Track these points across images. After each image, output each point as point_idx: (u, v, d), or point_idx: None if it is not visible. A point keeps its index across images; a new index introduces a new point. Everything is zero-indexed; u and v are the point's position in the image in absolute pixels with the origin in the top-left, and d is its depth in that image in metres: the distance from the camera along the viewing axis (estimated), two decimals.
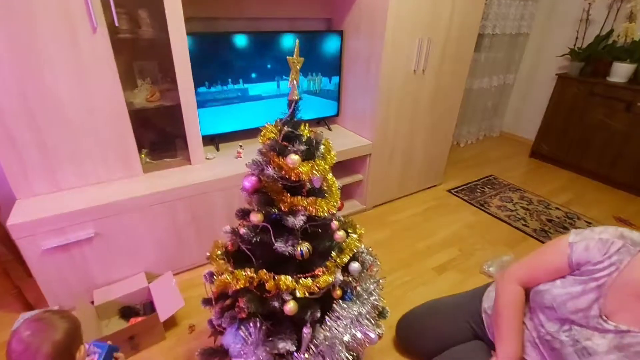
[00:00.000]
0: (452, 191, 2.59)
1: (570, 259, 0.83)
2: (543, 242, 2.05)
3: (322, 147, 0.88)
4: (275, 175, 0.82)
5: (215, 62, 1.76)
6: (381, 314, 1.08)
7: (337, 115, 2.33)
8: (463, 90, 2.38)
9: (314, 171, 0.80)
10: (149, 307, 1.47)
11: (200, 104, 1.74)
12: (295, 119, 0.86)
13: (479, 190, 2.61)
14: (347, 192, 2.39)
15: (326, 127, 2.30)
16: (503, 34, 3.10)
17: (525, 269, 0.95)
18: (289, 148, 0.81)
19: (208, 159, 1.81)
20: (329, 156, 0.86)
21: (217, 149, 1.94)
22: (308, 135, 0.87)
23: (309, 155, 0.84)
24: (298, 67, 0.82)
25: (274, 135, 0.84)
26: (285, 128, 0.83)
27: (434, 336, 1.18)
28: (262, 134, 0.84)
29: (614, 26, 2.70)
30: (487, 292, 1.13)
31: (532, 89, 3.39)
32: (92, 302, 1.46)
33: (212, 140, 1.97)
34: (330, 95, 2.22)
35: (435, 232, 2.13)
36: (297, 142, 0.83)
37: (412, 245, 2.01)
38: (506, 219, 2.27)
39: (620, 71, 2.56)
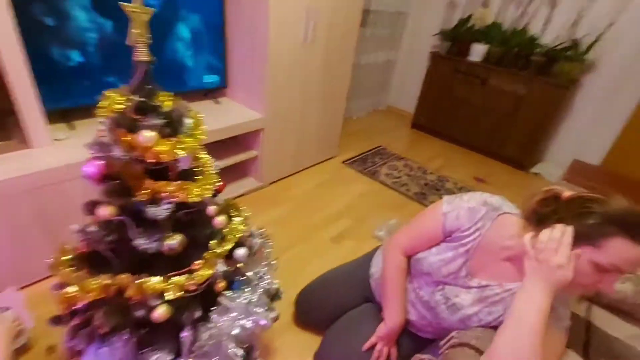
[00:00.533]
0: (346, 163, 2.70)
1: (444, 228, 0.91)
2: (422, 204, 2.30)
3: (188, 120, 0.74)
4: (123, 157, 0.66)
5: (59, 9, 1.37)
6: (275, 296, 1.03)
7: (225, 87, 2.12)
8: (352, 63, 2.42)
9: (177, 150, 0.67)
10: None
11: (41, 71, 1.34)
12: (150, 86, 0.69)
13: (370, 161, 2.78)
14: (242, 170, 2.26)
15: (214, 100, 2.09)
16: (386, 12, 3.26)
17: (406, 238, 1.01)
18: (141, 123, 0.66)
19: (58, 139, 1.45)
20: (197, 132, 0.73)
21: (72, 127, 1.56)
22: (169, 106, 0.72)
23: (171, 131, 0.70)
24: (144, 18, 0.65)
25: (120, 106, 0.67)
26: (136, 98, 0.67)
27: (329, 307, 1.21)
28: (102, 104, 0.66)
29: (473, 11, 3.09)
30: (374, 257, 1.19)
31: (412, 66, 3.71)
32: None
33: (64, 117, 1.58)
34: (215, 64, 2.00)
35: (331, 203, 2.19)
36: (153, 115, 0.67)
37: (309, 218, 2.03)
38: (393, 185, 2.48)
39: (477, 51, 2.96)
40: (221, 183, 0.88)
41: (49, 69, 1.42)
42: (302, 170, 2.50)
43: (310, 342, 1.31)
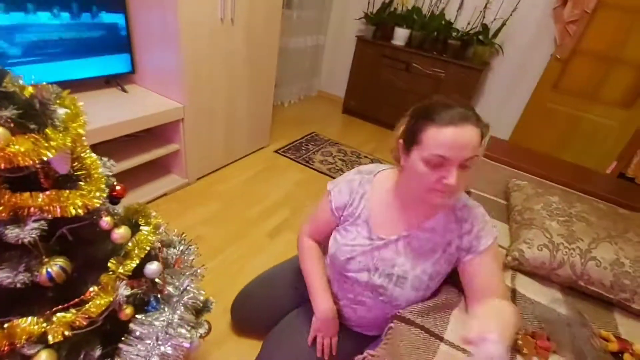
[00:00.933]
0: (279, 151, 2.59)
1: (332, 205, 0.93)
2: None
3: (60, 110, 0.57)
4: None
5: None
6: (203, 308, 0.91)
7: (132, 72, 1.85)
8: (277, 47, 2.29)
9: (43, 150, 0.51)
10: None
11: None
12: None
13: (303, 148, 2.71)
14: (163, 166, 2.02)
15: (119, 87, 1.80)
16: None
17: (310, 223, 1.03)
18: None
19: None
20: (74, 124, 0.57)
21: None
22: (29, 92, 0.54)
23: (36, 125, 0.53)
24: None
25: None
26: None
27: (267, 311, 1.12)
28: None
29: None
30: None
31: (339, 50, 3.68)
32: None
33: None
34: (118, 45, 1.72)
35: (266, 195, 2.08)
36: (2, 104, 0.50)
37: (243, 213, 1.90)
38: (328, 172, 2.44)
39: (400, 35, 3.04)
40: (120, 187, 0.72)
41: None
42: (232, 162, 2.33)
43: (251, 349, 1.22)
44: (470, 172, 0.71)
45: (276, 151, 2.59)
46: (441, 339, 0.75)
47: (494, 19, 2.76)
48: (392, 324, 0.84)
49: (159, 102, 1.78)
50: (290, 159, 2.52)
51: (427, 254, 0.84)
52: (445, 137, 0.68)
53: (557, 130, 2.76)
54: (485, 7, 2.79)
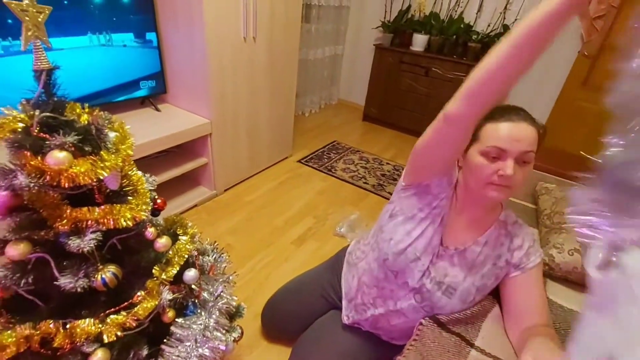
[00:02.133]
0: (302, 161, 2.65)
1: (442, 180, 0.86)
2: (381, 196, 2.33)
3: (111, 134, 0.65)
4: (33, 185, 0.55)
5: None
6: (236, 313, 0.97)
7: (164, 92, 1.98)
8: (297, 59, 2.37)
9: (99, 170, 0.58)
10: None
11: None
12: (56, 98, 0.59)
13: (325, 157, 2.76)
14: (192, 179, 2.12)
15: (153, 107, 1.93)
16: (328, 6, 3.24)
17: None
18: (49, 142, 0.56)
19: None
20: (123, 146, 0.64)
21: None
22: (85, 120, 0.62)
23: (91, 148, 0.61)
24: (39, 18, 0.55)
25: (22, 124, 0.56)
26: (39, 113, 0.56)
27: (296, 317, 1.15)
28: None
29: (411, 1, 3.17)
30: (343, 274, 1.12)
31: (358, 59, 3.74)
32: None
33: None
34: (151, 66, 1.84)
35: (291, 205, 2.14)
36: (64, 131, 0.57)
37: (270, 222, 1.96)
38: (350, 179, 2.48)
39: (418, 41, 3.05)
40: (160, 200, 0.79)
41: None
42: (257, 173, 2.42)
43: (282, 354, 1.26)
44: (527, 170, 0.73)
45: (299, 161, 2.65)
46: (472, 345, 0.76)
47: (515, 19, 2.73)
48: (423, 322, 0.84)
49: (189, 119, 1.89)
50: (313, 168, 2.58)
51: (478, 266, 0.84)
52: (502, 130, 0.71)
53: (587, 128, 2.66)
54: (506, 8, 2.77)
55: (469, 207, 0.84)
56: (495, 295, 0.88)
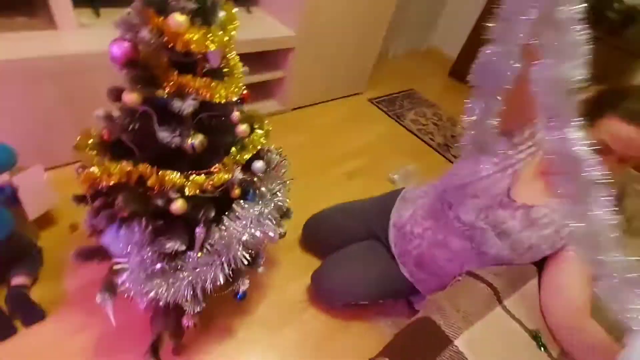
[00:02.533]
0: (373, 101, 2.58)
1: None
2: (444, 157, 2.24)
3: (221, 12, 0.68)
4: (153, 42, 0.62)
5: None
6: (285, 214, 1.06)
7: None
8: None
9: (209, 42, 0.62)
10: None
11: None
12: None
13: (397, 103, 2.65)
14: (265, 90, 2.18)
15: (245, 8, 1.94)
16: None
17: None
18: (172, 4, 0.60)
19: (83, 25, 1.39)
20: (230, 26, 0.68)
21: (97, 14, 1.49)
22: None
23: (203, 19, 0.65)
24: None
25: None
26: None
27: (337, 233, 1.24)
28: None
29: None
30: (395, 207, 1.15)
31: (467, 3, 3.30)
32: None
33: (91, 1, 1.50)
34: None
35: (351, 139, 2.15)
36: None
37: (326, 151, 2.01)
38: (417, 132, 2.39)
39: None
40: (246, 92, 0.85)
41: None
42: (327, 101, 2.41)
43: (311, 263, 1.39)
44: (625, 167, 0.70)
45: (370, 99, 2.58)
46: (500, 301, 0.78)
47: None
48: (459, 277, 0.88)
49: (276, 28, 1.88)
50: (382, 110, 2.51)
51: (540, 227, 0.81)
52: (622, 133, 0.66)
53: None
54: None
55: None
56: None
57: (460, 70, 3.20)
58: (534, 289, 0.84)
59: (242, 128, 0.80)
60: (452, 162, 2.20)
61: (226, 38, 0.65)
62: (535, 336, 0.77)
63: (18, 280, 1.04)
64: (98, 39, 1.32)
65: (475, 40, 3.00)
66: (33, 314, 1.04)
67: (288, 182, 1.05)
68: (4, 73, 1.14)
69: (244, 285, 0.91)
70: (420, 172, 1.98)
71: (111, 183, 0.72)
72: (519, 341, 0.76)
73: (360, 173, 1.92)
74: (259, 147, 0.85)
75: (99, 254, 0.89)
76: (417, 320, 0.80)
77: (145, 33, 0.61)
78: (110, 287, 0.85)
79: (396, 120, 2.45)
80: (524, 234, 0.82)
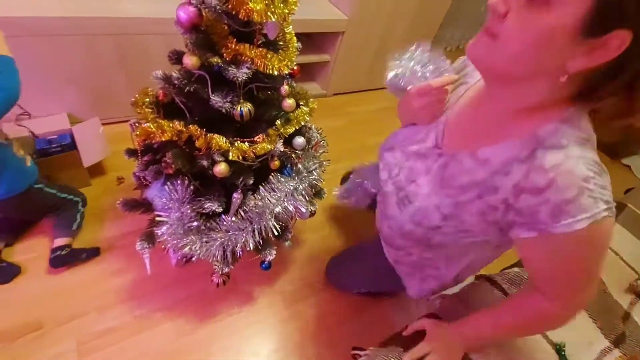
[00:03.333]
0: None
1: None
2: None
3: None
4: (218, 8, 0.64)
5: None
6: (318, 193, 1.08)
7: None
8: None
9: (270, 13, 0.64)
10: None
11: None
12: None
13: None
14: (309, 72, 2.19)
15: None
16: None
17: None
18: None
19: None
20: (291, 0, 0.69)
21: None
22: None
23: None
24: None
25: None
26: None
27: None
28: None
29: None
30: None
31: None
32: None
33: None
34: None
35: (389, 130, 2.09)
36: None
37: (363, 138, 2.00)
38: None
39: None
40: (296, 68, 0.86)
41: None
42: (369, 90, 2.38)
43: (335, 246, 1.41)
44: (545, 20, 0.42)
45: None
46: None
47: None
48: (475, 281, 0.87)
49: (328, 10, 1.87)
50: None
51: (455, 189, 0.61)
52: None
53: None
54: None
55: (484, 98, 0.61)
56: None
57: None
58: None
59: (289, 102, 0.81)
60: None
61: (286, 11, 0.66)
62: (559, 349, 0.75)
63: (58, 242, 1.10)
64: (156, 3, 1.39)
65: None
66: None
67: (325, 162, 1.07)
68: (68, 29, 1.22)
69: (270, 255, 0.95)
70: None
71: (163, 139, 0.76)
72: (541, 353, 0.74)
73: None
74: (302, 124, 0.87)
75: (143, 206, 0.96)
76: (428, 315, 0.80)
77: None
78: (149, 237, 0.92)
79: None
80: (431, 200, 0.64)
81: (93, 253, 1.14)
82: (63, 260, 1.09)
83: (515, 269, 0.85)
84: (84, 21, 1.23)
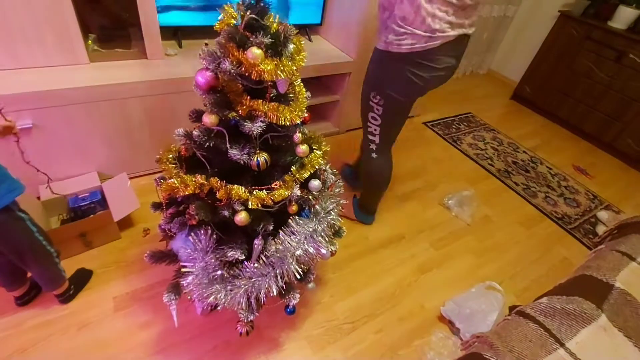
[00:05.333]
0: (428, 124, 2.55)
1: None
2: (504, 183, 2.12)
3: (291, 45, 0.75)
4: (233, 72, 0.70)
5: None
6: (337, 233, 1.09)
7: (320, 24, 2.08)
8: None
9: (279, 72, 0.69)
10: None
11: None
12: (262, 4, 0.71)
13: (454, 127, 2.58)
14: (321, 112, 2.28)
15: (307, 37, 2.07)
16: None
17: None
18: (251, 40, 0.68)
19: (168, 55, 1.60)
20: (298, 57, 0.74)
21: (180, 46, 1.70)
22: (276, 27, 0.73)
23: (274, 51, 0.72)
24: None
25: (234, 21, 0.70)
26: (248, 14, 0.69)
27: None
28: (220, 18, 0.70)
29: None
30: None
31: (530, 25, 3.18)
32: (39, 198, 1.37)
33: (175, 35, 1.72)
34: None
35: (404, 162, 2.13)
36: (262, 33, 0.69)
37: None
38: (474, 156, 2.30)
39: (623, 16, 2.41)
40: (307, 115, 0.90)
41: None
42: None
43: (359, 283, 1.38)
44: None
45: (425, 123, 2.55)
46: (562, 344, 0.72)
47: None
48: (508, 317, 0.83)
49: (335, 54, 1.97)
50: (438, 134, 2.46)
51: None
52: None
53: None
54: None
55: None
56: None
57: (522, 93, 3.04)
58: (603, 332, 0.75)
59: (302, 148, 0.85)
60: (512, 189, 2.08)
61: (294, 68, 0.71)
62: None
63: (58, 291, 1.11)
64: (178, 67, 1.52)
65: (543, 61, 2.85)
66: None
67: (342, 201, 1.08)
68: (102, 95, 1.34)
69: (294, 300, 0.95)
70: (476, 197, 1.90)
71: (186, 193, 0.80)
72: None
73: (412, 196, 1.89)
74: (316, 167, 0.90)
75: (169, 257, 0.99)
76: (467, 356, 0.76)
77: (226, 64, 0.70)
78: (176, 289, 0.93)
79: (452, 144, 2.38)
80: None
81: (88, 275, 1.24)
82: (73, 296, 1.18)
83: (545, 300, 0.81)
84: (116, 87, 1.35)
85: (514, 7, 3.19)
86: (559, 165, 2.38)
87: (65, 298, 1.15)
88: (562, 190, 2.14)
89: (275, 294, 0.87)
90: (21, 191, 0.90)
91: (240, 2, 0.71)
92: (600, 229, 1.85)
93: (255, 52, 0.66)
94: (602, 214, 1.95)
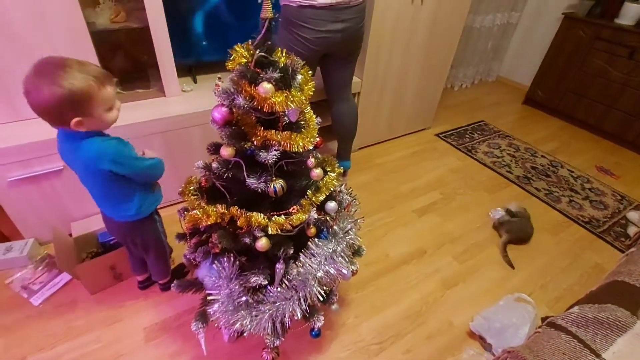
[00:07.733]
0: (440, 135, 2.55)
1: None
2: (524, 190, 2.08)
3: (299, 76, 0.79)
4: (246, 106, 0.74)
5: None
6: (357, 252, 1.09)
7: None
8: (462, 27, 2.20)
9: (289, 102, 0.73)
10: None
11: (175, 31, 1.55)
12: (269, 42, 0.76)
13: (468, 136, 2.57)
14: (330, 132, 2.31)
15: None
16: None
17: None
18: (262, 75, 0.73)
19: (184, 91, 1.69)
20: (306, 87, 0.78)
21: (195, 81, 1.80)
22: (284, 61, 0.78)
23: (284, 84, 0.77)
24: None
25: (245, 60, 0.75)
26: (257, 52, 0.74)
27: None
28: (231, 58, 0.75)
29: None
30: None
31: (535, 30, 3.18)
32: (70, 235, 1.45)
33: (189, 71, 1.82)
34: None
35: (420, 175, 2.13)
36: (271, 69, 0.74)
37: (395, 187, 2.01)
38: (491, 165, 2.27)
39: (630, 12, 2.39)
40: (319, 139, 0.94)
41: (181, 30, 1.63)
42: (393, 138, 2.46)
43: (383, 302, 1.37)
44: None
45: (438, 134, 2.55)
46: (597, 355, 0.69)
47: None
48: (539, 330, 0.81)
49: None
50: (451, 144, 2.45)
51: None
52: None
53: None
54: None
55: None
56: None
57: (535, 97, 3.01)
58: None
59: (317, 172, 0.88)
60: (535, 196, 2.03)
61: (303, 97, 0.75)
62: None
63: (163, 280, 1.32)
64: (196, 102, 1.60)
65: (552, 64, 2.83)
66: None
67: (359, 220, 1.09)
68: (126, 134, 1.42)
69: (319, 322, 0.95)
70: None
71: (209, 223, 0.84)
72: None
73: (430, 209, 1.88)
74: (331, 189, 0.92)
75: (194, 285, 1.02)
76: None
77: (240, 100, 0.74)
78: (203, 317, 0.96)
79: (467, 154, 2.36)
80: None
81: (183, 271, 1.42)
82: (169, 287, 1.30)
83: (576, 309, 0.78)
84: (139, 125, 1.43)
85: (517, 13, 3.21)
86: (581, 167, 2.31)
87: (166, 287, 1.33)
88: (586, 193, 2.07)
89: (299, 317, 0.88)
90: (161, 200, 1.14)
91: (250, 41, 0.76)
92: (632, 230, 1.77)
93: (266, 87, 0.71)
94: (633, 215, 1.87)
